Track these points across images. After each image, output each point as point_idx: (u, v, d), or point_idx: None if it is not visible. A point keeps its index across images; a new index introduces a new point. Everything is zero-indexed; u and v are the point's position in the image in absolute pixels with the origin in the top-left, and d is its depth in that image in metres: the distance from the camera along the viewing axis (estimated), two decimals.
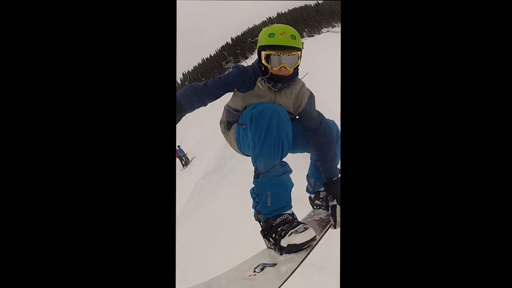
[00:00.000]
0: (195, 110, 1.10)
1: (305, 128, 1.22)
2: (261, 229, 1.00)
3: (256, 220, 1.03)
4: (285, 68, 1.05)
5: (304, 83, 1.23)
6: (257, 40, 1.10)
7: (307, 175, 1.39)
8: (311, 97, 1.23)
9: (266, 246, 1.02)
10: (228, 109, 1.25)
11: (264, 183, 0.99)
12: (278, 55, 1.04)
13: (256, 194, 1.01)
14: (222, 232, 3.49)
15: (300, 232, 0.91)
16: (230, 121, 1.27)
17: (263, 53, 1.06)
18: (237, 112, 1.20)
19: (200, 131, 11.91)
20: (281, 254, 0.94)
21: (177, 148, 11.19)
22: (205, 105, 1.12)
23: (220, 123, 1.32)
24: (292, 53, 1.05)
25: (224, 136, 1.32)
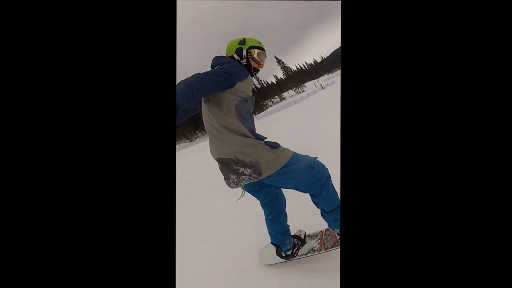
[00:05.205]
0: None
1: None
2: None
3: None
4: (263, 64, 1.41)
5: None
6: (245, 41, 1.36)
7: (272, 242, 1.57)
8: None
9: None
10: (243, 118, 1.22)
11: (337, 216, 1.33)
12: (263, 54, 1.40)
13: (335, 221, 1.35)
14: None
15: None
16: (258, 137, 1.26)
17: (257, 51, 1.36)
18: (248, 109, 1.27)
19: None
20: None
21: None
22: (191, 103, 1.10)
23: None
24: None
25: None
